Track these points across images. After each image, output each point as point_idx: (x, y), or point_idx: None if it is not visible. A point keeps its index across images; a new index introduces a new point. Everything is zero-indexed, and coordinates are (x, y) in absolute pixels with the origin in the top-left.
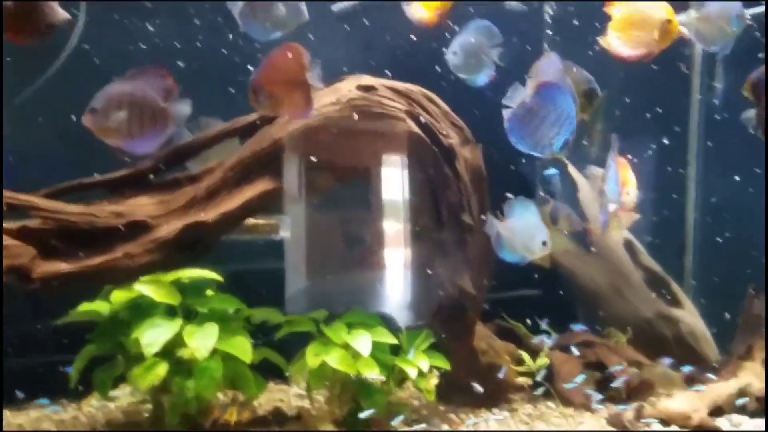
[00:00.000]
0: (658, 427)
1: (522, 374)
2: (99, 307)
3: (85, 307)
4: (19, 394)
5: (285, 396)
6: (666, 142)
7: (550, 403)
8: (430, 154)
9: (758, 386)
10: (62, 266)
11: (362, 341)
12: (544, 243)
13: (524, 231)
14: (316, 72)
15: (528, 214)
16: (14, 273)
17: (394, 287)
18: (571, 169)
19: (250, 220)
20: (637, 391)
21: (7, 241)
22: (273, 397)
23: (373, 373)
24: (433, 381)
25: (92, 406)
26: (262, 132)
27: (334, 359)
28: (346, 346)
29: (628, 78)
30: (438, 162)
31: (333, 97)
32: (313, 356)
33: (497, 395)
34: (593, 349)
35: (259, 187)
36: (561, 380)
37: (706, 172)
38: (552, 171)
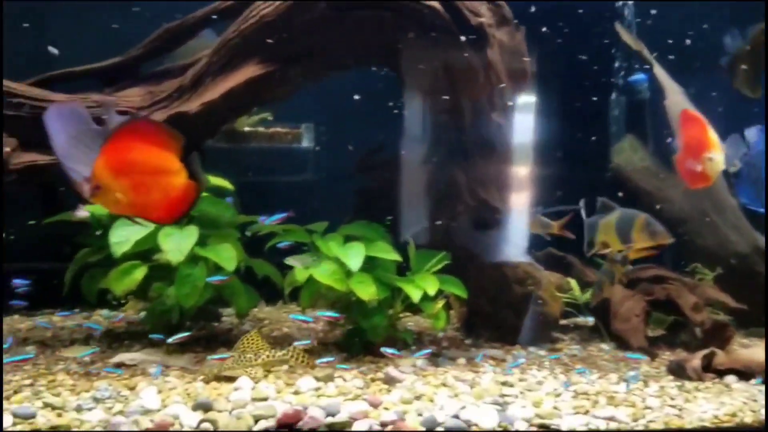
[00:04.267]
0: (733, 379)
1: (569, 308)
2: (92, 209)
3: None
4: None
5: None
6: None
7: (604, 346)
8: (450, 35)
9: None
10: (39, 158)
11: (353, 255)
12: None
13: None
14: None
15: None
16: None
17: (402, 200)
18: (659, 72)
19: (272, 128)
20: (713, 336)
21: None
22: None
23: (368, 292)
24: (438, 305)
25: (101, 315)
26: (250, 9)
27: (323, 273)
28: (340, 260)
29: None
30: (461, 47)
31: None
32: (301, 270)
33: (537, 331)
34: (664, 286)
35: (245, 73)
36: (618, 320)
37: None
38: (639, 76)
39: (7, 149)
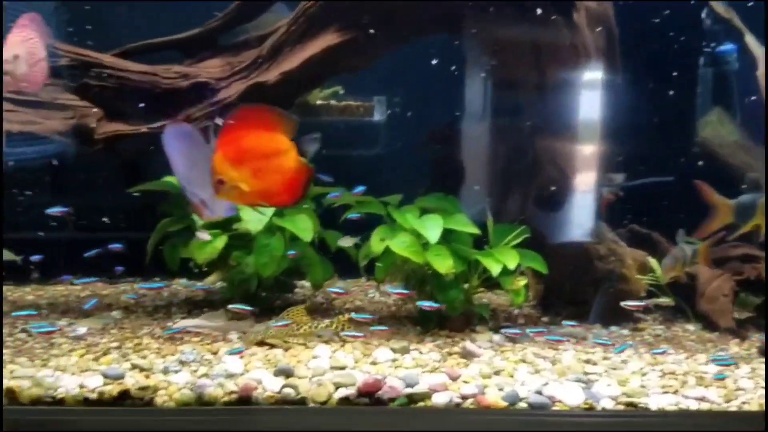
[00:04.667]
0: None
1: (651, 287)
2: (175, 179)
3: (167, 179)
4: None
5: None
6: None
7: (689, 326)
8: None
9: None
10: (123, 128)
11: (431, 226)
12: None
13: None
14: None
15: None
16: (79, 133)
17: (478, 172)
18: (750, 41)
19: (344, 102)
20: None
21: (76, 101)
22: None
23: (445, 265)
24: (521, 282)
25: (179, 284)
26: None
27: (399, 245)
28: (416, 232)
29: None
30: (546, 10)
31: None
32: (377, 241)
33: (616, 310)
34: (755, 265)
35: (323, 42)
36: (705, 299)
37: None
38: (728, 46)
39: (92, 119)
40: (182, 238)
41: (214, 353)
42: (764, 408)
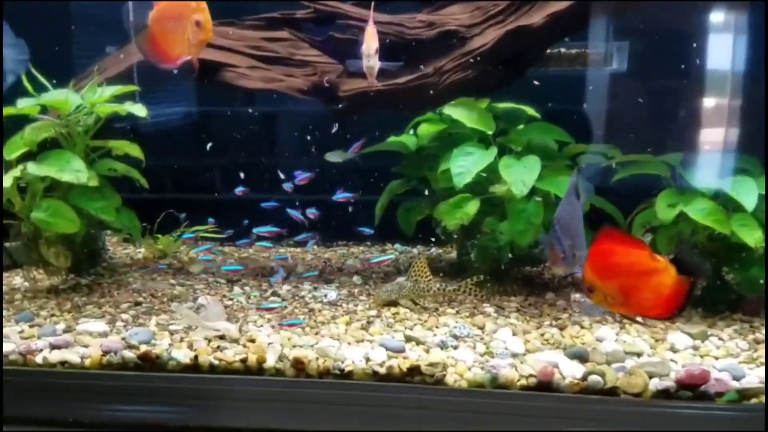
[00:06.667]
0: None
1: None
2: (406, 140)
3: (392, 140)
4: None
5: None
6: None
7: None
8: None
9: None
10: (367, 84)
11: (745, 190)
12: None
13: None
14: None
15: None
16: (322, 91)
17: None
18: None
19: (575, 50)
20: None
21: (317, 57)
22: None
23: (754, 236)
24: None
25: (395, 249)
26: None
27: (699, 212)
28: (717, 197)
29: None
30: None
31: None
32: (665, 207)
33: None
34: None
35: None
36: None
37: None
38: None
39: (334, 75)
40: (414, 202)
41: (480, 328)
42: (764, 407)
